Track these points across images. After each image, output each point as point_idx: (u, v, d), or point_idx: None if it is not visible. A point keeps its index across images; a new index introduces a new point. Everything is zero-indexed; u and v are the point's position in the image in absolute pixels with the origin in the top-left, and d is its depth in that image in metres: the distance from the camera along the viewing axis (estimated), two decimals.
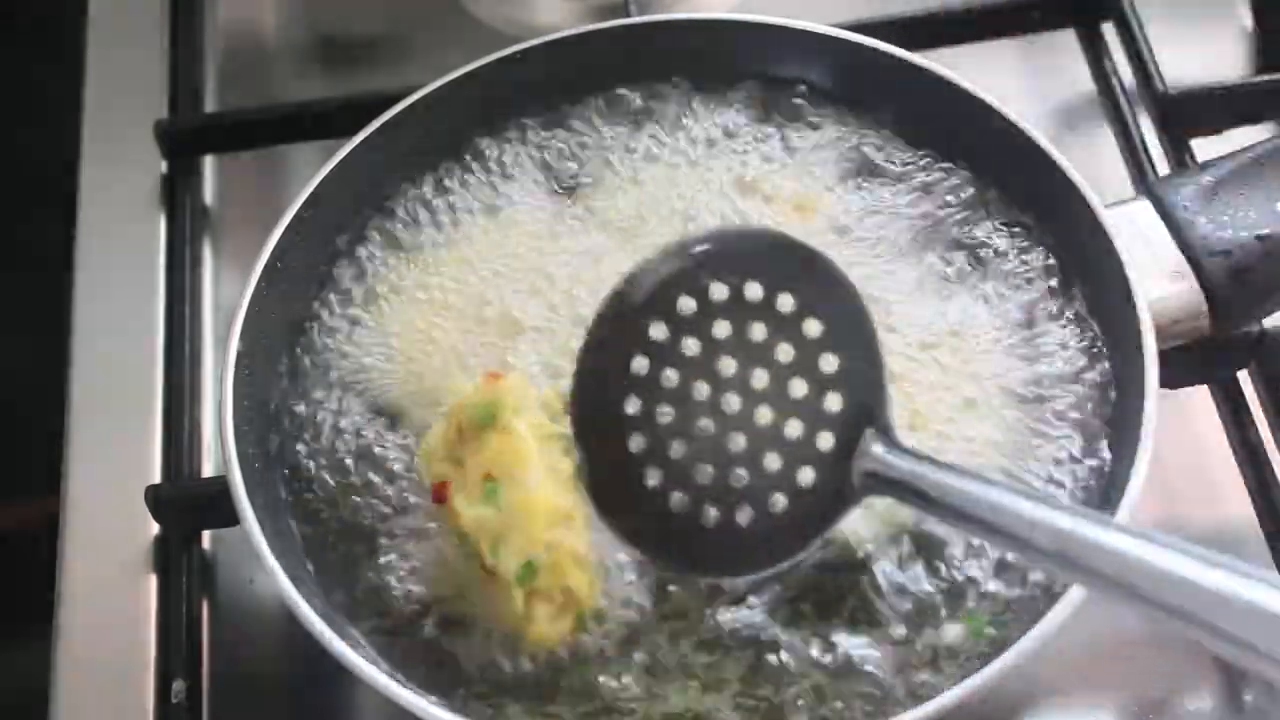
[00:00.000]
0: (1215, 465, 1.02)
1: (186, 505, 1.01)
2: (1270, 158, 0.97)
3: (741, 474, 0.84)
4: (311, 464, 0.95)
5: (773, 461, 0.84)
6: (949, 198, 1.01)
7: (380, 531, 0.92)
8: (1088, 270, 0.96)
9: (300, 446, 0.95)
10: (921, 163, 1.03)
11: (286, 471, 0.94)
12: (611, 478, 0.85)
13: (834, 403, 0.83)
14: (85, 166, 1.21)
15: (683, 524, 0.84)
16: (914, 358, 0.94)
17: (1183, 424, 1.03)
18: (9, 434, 1.24)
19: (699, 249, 0.84)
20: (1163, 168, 1.12)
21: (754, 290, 0.83)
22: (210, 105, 1.27)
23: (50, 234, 1.20)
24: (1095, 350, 0.94)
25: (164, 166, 1.20)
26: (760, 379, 0.83)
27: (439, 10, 1.31)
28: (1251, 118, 1.14)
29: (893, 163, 1.03)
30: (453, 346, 0.97)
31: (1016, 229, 1.00)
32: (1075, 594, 0.82)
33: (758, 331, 0.83)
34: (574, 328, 0.96)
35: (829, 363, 0.83)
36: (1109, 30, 1.20)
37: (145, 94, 1.25)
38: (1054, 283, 0.97)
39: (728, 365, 0.83)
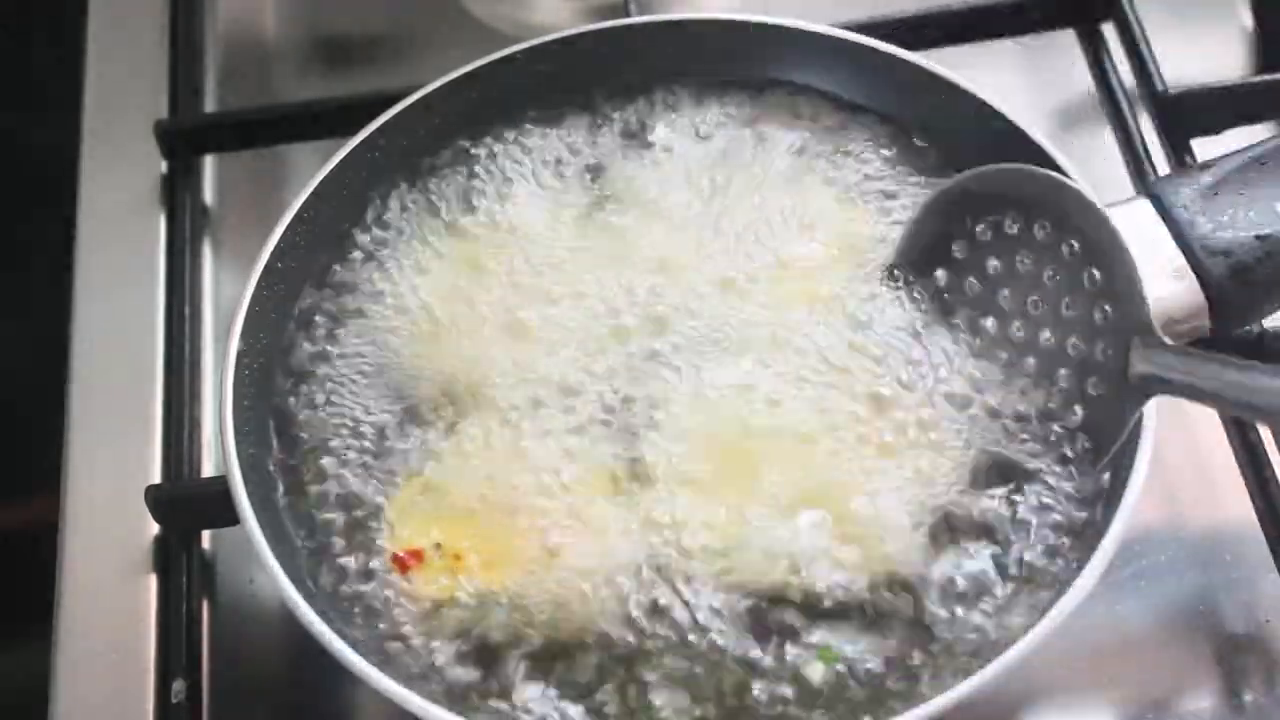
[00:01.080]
0: (1215, 465, 1.02)
1: (186, 505, 1.01)
2: (1270, 158, 0.97)
3: (1039, 394, 0.92)
4: (312, 462, 0.95)
5: (1064, 378, 0.92)
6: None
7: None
8: None
9: (301, 445, 0.95)
10: (921, 162, 1.03)
11: (287, 470, 0.94)
12: None
13: (1101, 315, 0.90)
14: (85, 166, 1.22)
15: None
16: (911, 361, 0.95)
17: (1183, 424, 1.03)
18: (9, 434, 1.24)
19: (958, 191, 0.96)
20: (1163, 168, 1.12)
21: (1012, 225, 0.94)
22: (210, 105, 1.27)
23: (50, 234, 1.21)
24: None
25: (164, 166, 1.20)
26: (1035, 305, 0.93)
27: (439, 10, 1.31)
28: (1251, 118, 1.13)
29: (892, 161, 1.03)
30: (455, 343, 0.97)
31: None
32: (1073, 596, 0.82)
33: (1025, 261, 0.93)
34: (578, 320, 0.97)
35: (1091, 279, 0.90)
36: (1109, 30, 1.20)
37: (145, 94, 1.25)
38: None
39: (1005, 297, 0.94)
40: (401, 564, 0.90)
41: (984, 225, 0.95)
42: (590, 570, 0.88)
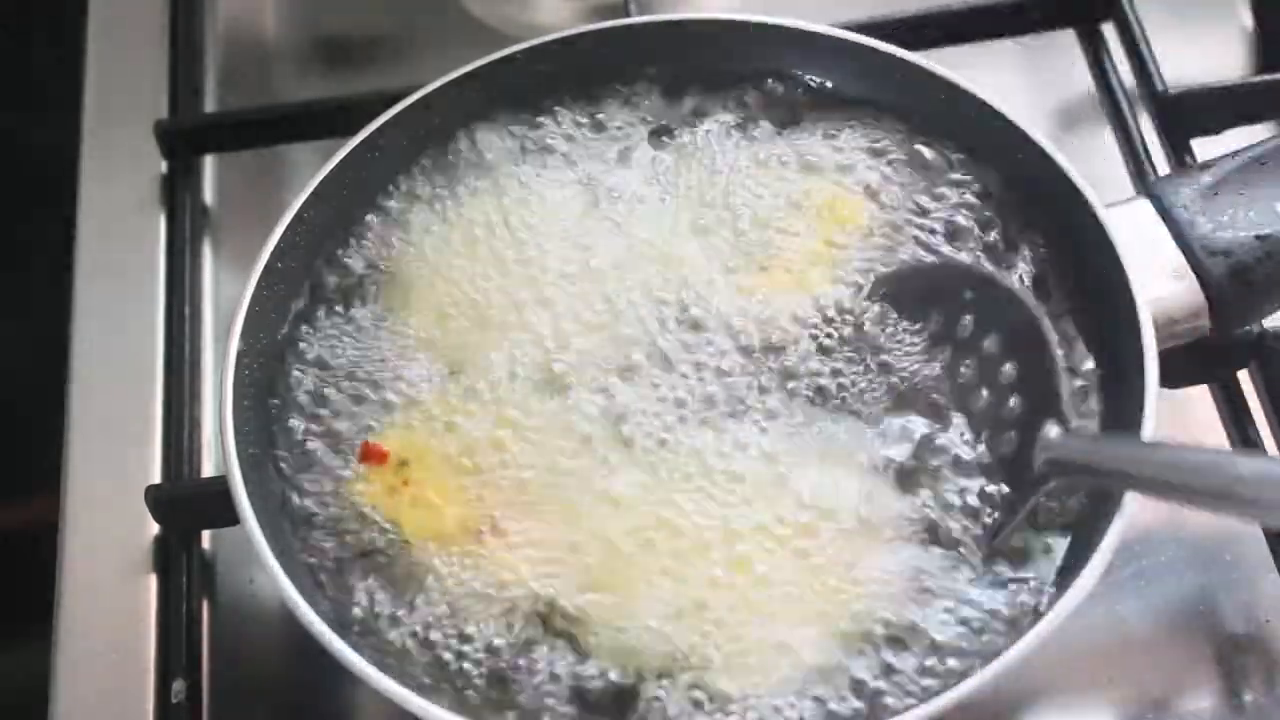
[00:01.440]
0: None
1: (186, 505, 1.01)
2: (1270, 157, 0.97)
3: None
4: (313, 462, 0.94)
5: (958, 470, 0.90)
6: (948, 196, 1.01)
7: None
8: (1087, 270, 0.96)
9: (301, 445, 0.95)
10: (921, 162, 1.03)
11: (287, 470, 0.94)
12: None
13: (1014, 405, 0.90)
14: (85, 166, 1.22)
15: None
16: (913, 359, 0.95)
17: (1182, 424, 1.03)
18: (9, 434, 1.25)
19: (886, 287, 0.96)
20: (1163, 168, 1.12)
21: (936, 322, 0.94)
22: (210, 105, 1.27)
23: (50, 234, 1.21)
24: (1095, 348, 0.94)
25: (164, 166, 1.20)
26: (945, 396, 0.92)
27: (439, 10, 1.31)
28: (1251, 118, 1.14)
29: (894, 161, 1.03)
30: (454, 342, 0.98)
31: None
32: (1074, 595, 0.82)
33: (942, 356, 0.93)
34: (584, 321, 0.97)
35: (1007, 373, 0.91)
36: (1109, 30, 1.20)
37: (145, 93, 1.25)
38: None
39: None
40: (366, 452, 0.92)
41: (910, 324, 0.95)
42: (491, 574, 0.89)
